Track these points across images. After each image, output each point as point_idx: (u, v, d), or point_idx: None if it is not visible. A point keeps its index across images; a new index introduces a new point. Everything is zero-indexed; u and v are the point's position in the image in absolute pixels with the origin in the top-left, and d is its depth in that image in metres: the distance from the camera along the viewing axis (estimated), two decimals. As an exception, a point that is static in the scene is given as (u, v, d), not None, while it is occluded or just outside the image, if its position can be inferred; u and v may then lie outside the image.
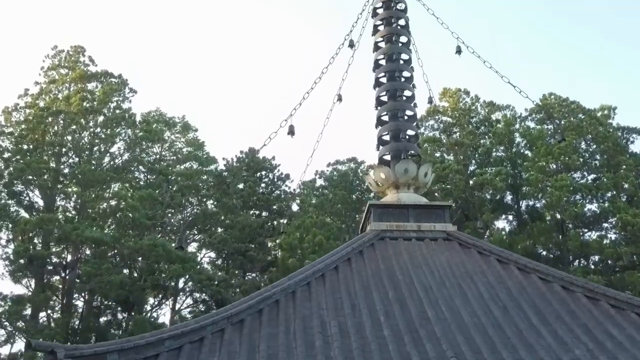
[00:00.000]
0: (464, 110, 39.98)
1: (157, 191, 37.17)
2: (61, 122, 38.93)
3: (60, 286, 35.81)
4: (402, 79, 20.45)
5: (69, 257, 35.65)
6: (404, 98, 20.27)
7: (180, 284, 34.59)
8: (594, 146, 37.09)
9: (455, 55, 21.08)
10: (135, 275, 34.09)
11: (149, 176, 40.14)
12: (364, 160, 44.16)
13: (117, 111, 40.40)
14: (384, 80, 20.69)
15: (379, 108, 20.37)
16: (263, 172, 44.43)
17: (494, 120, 40.01)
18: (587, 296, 14.55)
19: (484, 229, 35.26)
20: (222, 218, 37.44)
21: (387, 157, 19.63)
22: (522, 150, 39.01)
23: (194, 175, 38.65)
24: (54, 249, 35.05)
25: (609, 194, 34.22)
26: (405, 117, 19.98)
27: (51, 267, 35.07)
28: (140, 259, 33.46)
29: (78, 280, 34.46)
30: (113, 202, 34.53)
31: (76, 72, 41.48)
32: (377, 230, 17.32)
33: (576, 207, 32.03)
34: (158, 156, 43.57)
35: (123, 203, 33.86)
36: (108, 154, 39.79)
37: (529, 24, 78.84)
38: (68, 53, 42.97)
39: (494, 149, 38.17)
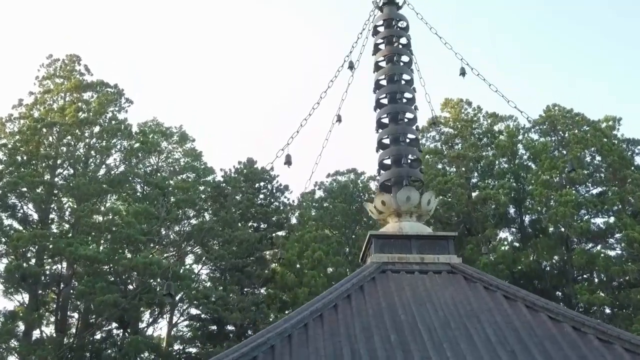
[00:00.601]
0: (466, 121, 39.27)
1: (153, 204, 36.53)
2: (55, 133, 38.21)
3: (55, 301, 35.19)
4: (404, 100, 19.69)
5: (64, 272, 35.01)
6: (406, 120, 19.52)
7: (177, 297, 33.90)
8: (599, 158, 36.35)
9: (460, 73, 20.30)
10: (131, 289, 33.38)
11: (145, 187, 39.40)
12: (364, 171, 43.52)
13: (113, 122, 39.68)
14: (384, 101, 19.94)
15: (380, 131, 19.63)
16: (262, 183, 43.77)
17: (497, 131, 39.28)
18: (600, 339, 13.80)
19: (487, 244, 34.56)
20: (220, 231, 36.67)
21: (389, 183, 18.87)
22: (525, 162, 38.32)
23: (191, 188, 37.91)
24: (47, 265, 34.38)
25: (614, 208, 33.51)
26: (407, 140, 19.21)
27: (45, 282, 34.41)
28: (135, 274, 32.77)
29: (73, 295, 33.82)
30: (108, 217, 33.69)
31: (71, 82, 40.79)
32: (379, 262, 16.58)
33: (581, 223, 31.27)
34: (155, 167, 42.93)
35: (118, 219, 33.10)
36: (104, 166, 39.09)
37: (529, 24, 78.54)
38: (63, 62, 42.27)
39: (497, 161, 37.44)
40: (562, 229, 33.36)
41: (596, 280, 32.83)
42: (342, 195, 41.85)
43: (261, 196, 43.56)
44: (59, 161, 38.33)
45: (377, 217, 18.65)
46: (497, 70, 74.03)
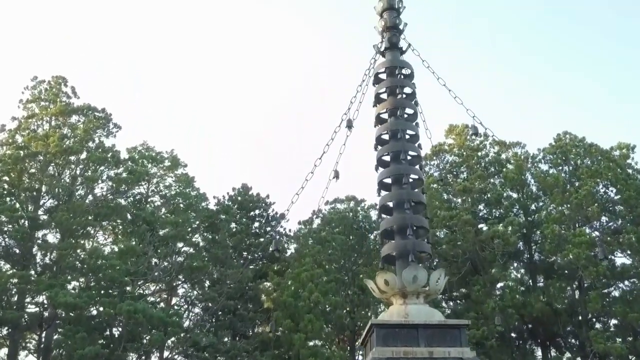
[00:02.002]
0: (472, 149, 37.20)
1: (141, 239, 34.55)
2: (39, 164, 36.17)
3: (37, 345, 33.29)
4: (409, 157, 17.66)
5: (46, 314, 33.06)
6: (411, 180, 17.49)
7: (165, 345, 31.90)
8: (614, 190, 34.33)
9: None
10: (116, 335, 31.39)
11: (133, 218, 37.29)
12: (364, 198, 41.44)
13: (99, 150, 37.57)
14: (387, 159, 17.93)
15: (382, 193, 17.61)
16: (257, 211, 41.74)
17: (504, 159, 37.22)
18: None
19: (495, 284, 32.61)
20: (212, 268, 34.66)
21: (393, 254, 16.85)
22: (534, 191, 36.31)
23: (182, 218, 35.85)
24: (28, 307, 32.46)
25: (632, 247, 31.45)
26: (412, 204, 17.17)
27: (27, 324, 32.47)
28: (120, 319, 30.77)
29: (55, 337, 31.91)
30: (92, 258, 31.61)
31: (56, 107, 38.68)
32: (382, 358, 14.54)
33: (597, 267, 29.21)
34: (144, 195, 40.87)
35: (102, 260, 31.06)
36: (90, 196, 36.97)
37: (529, 23, 76.84)
38: (49, 84, 40.24)
39: (505, 193, 35.40)
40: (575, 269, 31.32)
41: (612, 327, 30.81)
42: (341, 225, 39.79)
43: (256, 224, 41.59)
44: (43, 190, 36.37)
45: (379, 296, 16.62)
46: (497, 68, 72.51)
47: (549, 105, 74.11)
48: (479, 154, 37.12)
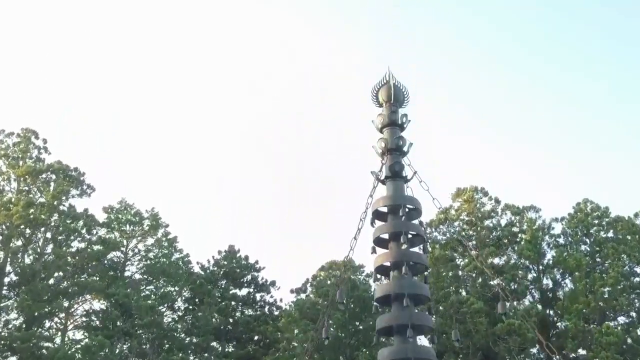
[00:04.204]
0: (481, 217, 33.59)
1: (115, 324, 30.99)
2: (1, 236, 32.58)
3: None
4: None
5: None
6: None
7: None
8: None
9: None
10: None
11: (106, 293, 33.61)
12: (362, 264, 37.81)
13: (69, 219, 33.97)
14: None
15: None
16: (247, 278, 38.11)
17: (518, 230, 33.57)
18: None
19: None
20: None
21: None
22: (550, 262, 32.67)
23: (157, 305, 32.27)
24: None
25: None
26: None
27: None
28: None
29: None
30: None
31: (23, 168, 35.09)
32: None
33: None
34: (122, 260, 37.27)
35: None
36: (58, 273, 33.28)
37: (528, 23, 74.75)
38: (18, 136, 36.62)
39: (520, 272, 31.78)
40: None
41: None
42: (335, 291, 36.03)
43: (244, 292, 38.02)
44: (7, 267, 32.80)
45: None
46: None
47: (567, 169, 69.25)
48: (490, 223, 33.50)
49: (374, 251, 14.93)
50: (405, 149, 15.65)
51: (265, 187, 71.37)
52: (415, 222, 14.98)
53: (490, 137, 70.94)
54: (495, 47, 75.84)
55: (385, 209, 15.14)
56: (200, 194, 68.52)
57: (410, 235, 14.68)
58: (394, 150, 15.55)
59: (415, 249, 15.04)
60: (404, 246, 14.48)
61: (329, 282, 36.99)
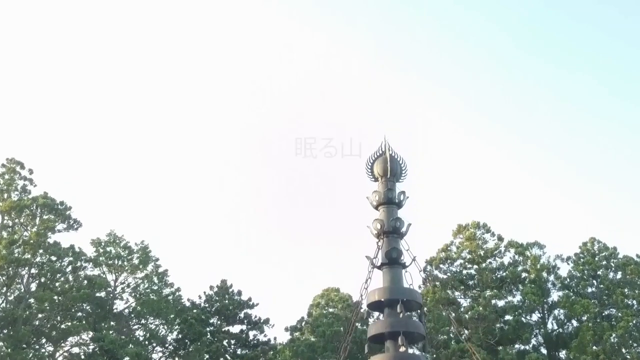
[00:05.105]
0: (484, 255, 32.20)
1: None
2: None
3: None
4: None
5: None
6: None
7: None
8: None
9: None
10: None
11: (93, 337, 32.17)
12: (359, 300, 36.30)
13: (53, 258, 32.56)
14: None
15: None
16: (240, 315, 36.59)
17: (522, 269, 32.20)
18: None
19: None
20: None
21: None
22: (556, 305, 31.31)
23: (145, 351, 30.84)
24: None
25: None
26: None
27: None
28: None
29: None
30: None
31: (6, 203, 33.69)
32: None
33: None
34: (110, 295, 35.83)
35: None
36: (41, 314, 31.86)
37: (527, 22, 73.74)
38: (3, 167, 35.24)
39: (523, 315, 30.43)
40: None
41: None
42: (330, 330, 34.63)
43: (236, 330, 36.52)
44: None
45: None
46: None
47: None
48: (493, 260, 32.15)
49: (369, 350, 13.60)
50: (403, 230, 14.28)
51: (257, 216, 69.65)
52: (415, 317, 13.64)
53: (493, 169, 69.46)
54: (503, 73, 74.52)
55: (382, 301, 13.79)
56: (192, 225, 66.13)
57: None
58: (391, 233, 14.18)
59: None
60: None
61: (324, 319, 35.68)
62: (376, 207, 14.57)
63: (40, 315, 32.30)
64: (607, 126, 71.54)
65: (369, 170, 14.95)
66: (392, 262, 13.89)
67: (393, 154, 14.88)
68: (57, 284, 32.50)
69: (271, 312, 47.01)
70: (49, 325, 31.37)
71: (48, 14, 75.07)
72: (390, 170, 14.58)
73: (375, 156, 14.96)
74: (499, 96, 73.09)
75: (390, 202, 14.38)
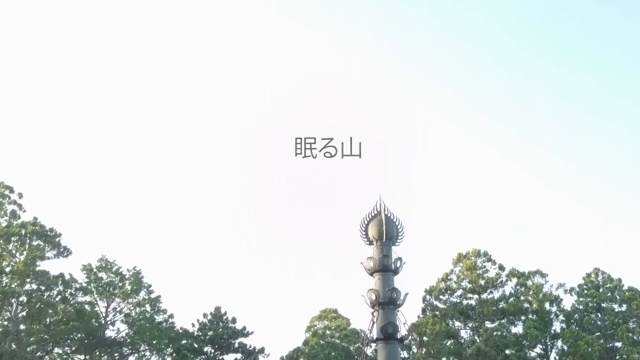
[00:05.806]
0: (484, 286, 31.31)
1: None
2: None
3: None
4: None
5: None
6: None
7: None
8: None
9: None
10: None
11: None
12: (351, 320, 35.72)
13: (42, 287, 31.62)
14: None
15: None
16: (234, 344, 35.63)
17: (524, 299, 31.29)
18: None
19: None
20: None
21: None
22: (559, 336, 30.43)
23: None
24: None
25: None
26: None
27: None
28: None
29: None
30: None
31: (-5, 231, 32.71)
32: None
33: None
34: (102, 321, 34.89)
35: None
36: (29, 348, 30.89)
37: (527, 22, 73.31)
38: (-10, 190, 34.24)
39: (525, 344, 29.56)
40: None
41: None
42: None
43: (230, 358, 35.57)
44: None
45: None
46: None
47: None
48: (494, 295, 31.24)
49: None
50: (400, 301, 13.36)
51: (257, 217, 68.56)
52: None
53: (493, 169, 68.35)
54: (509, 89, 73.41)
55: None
56: (185, 249, 64.46)
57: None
58: (387, 305, 13.27)
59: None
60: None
61: (322, 351, 34.76)
62: (371, 274, 13.65)
63: (29, 349, 31.41)
64: (607, 126, 70.66)
65: (363, 233, 13.99)
66: (388, 337, 13.00)
67: (389, 214, 13.94)
68: (46, 317, 31.59)
69: (266, 337, 46.21)
70: (37, 354, 30.44)
71: (38, 25, 73.83)
72: (386, 234, 13.66)
73: (370, 217, 14.01)
74: (499, 96, 72.24)
75: (386, 269, 13.48)
